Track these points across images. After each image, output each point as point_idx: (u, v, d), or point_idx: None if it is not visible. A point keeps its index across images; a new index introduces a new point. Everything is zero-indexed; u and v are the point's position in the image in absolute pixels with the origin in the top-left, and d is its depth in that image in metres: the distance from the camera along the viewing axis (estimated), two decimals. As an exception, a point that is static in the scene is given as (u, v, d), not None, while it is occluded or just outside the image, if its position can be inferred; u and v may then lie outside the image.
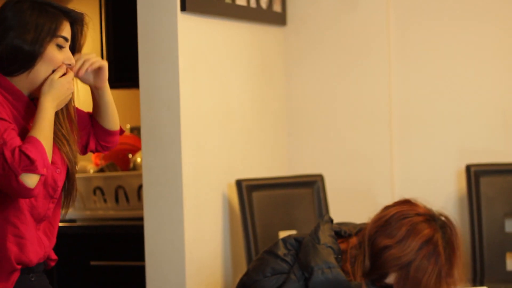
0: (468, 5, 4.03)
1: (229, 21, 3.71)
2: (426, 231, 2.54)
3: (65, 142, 2.43)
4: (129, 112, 4.60)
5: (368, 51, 4.12)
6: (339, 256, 2.59)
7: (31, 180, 2.19)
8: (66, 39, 2.48)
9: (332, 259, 2.53)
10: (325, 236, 2.60)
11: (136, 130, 4.49)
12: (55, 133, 2.38)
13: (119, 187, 3.88)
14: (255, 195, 3.73)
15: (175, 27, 3.33)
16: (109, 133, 2.66)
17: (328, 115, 4.20)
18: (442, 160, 4.07)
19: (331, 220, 2.70)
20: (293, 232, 3.87)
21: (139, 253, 3.59)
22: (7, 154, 2.19)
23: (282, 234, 3.82)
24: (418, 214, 2.58)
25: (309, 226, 3.88)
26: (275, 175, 4.02)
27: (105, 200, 3.93)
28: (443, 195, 4.06)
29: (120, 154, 4.25)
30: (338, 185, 4.12)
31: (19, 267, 2.30)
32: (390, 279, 2.54)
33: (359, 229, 2.68)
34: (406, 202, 2.67)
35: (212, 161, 3.62)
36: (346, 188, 4.15)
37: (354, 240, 2.63)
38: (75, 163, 2.47)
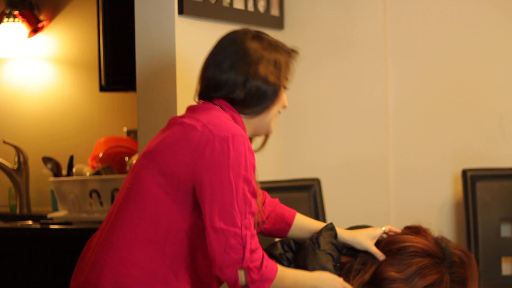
0: (465, 10, 4.04)
1: (226, 24, 3.71)
2: (433, 277, 2.53)
3: None
4: (126, 115, 4.60)
5: (365, 55, 4.13)
6: (338, 264, 2.59)
7: (244, 281, 2.19)
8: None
9: (330, 265, 2.53)
10: (325, 243, 2.60)
11: (132, 133, 4.50)
12: None
13: (116, 190, 3.88)
14: (252, 198, 3.73)
15: (173, 30, 3.33)
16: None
17: (325, 119, 4.20)
18: (439, 165, 4.07)
19: (334, 228, 2.69)
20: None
21: (135, 256, 3.58)
22: (247, 252, 2.17)
23: (278, 237, 3.82)
24: (430, 256, 2.56)
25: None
26: (272, 179, 4.02)
27: (101, 203, 3.93)
28: (439, 199, 4.07)
29: (117, 157, 4.25)
30: (334, 189, 4.12)
31: None
32: None
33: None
34: (419, 232, 2.64)
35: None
36: (342, 192, 4.15)
37: (361, 257, 2.62)
38: None
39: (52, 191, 4.28)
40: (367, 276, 2.55)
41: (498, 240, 3.86)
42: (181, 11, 3.33)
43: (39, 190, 4.58)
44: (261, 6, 3.97)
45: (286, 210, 2.68)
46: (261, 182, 3.81)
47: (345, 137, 4.17)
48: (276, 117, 2.42)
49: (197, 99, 2.47)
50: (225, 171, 2.18)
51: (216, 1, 3.57)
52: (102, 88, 4.38)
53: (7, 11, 4.57)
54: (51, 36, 4.68)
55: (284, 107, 2.44)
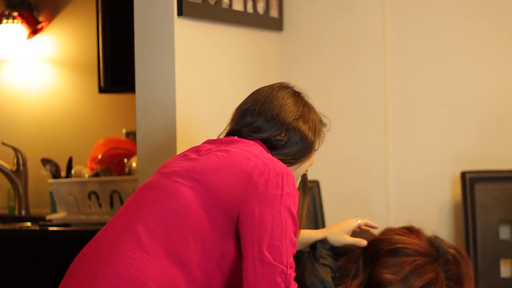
0: (464, 11, 4.04)
1: (226, 26, 3.71)
2: (429, 275, 2.52)
3: None
4: (125, 116, 4.60)
5: (364, 57, 4.13)
6: (337, 275, 2.58)
7: None
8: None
9: (329, 278, 2.53)
10: (322, 256, 2.59)
11: (131, 135, 4.50)
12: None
13: (114, 191, 3.88)
14: (251, 200, 3.72)
15: (172, 32, 3.33)
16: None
17: (324, 120, 4.19)
18: (437, 167, 4.07)
19: (328, 243, 2.68)
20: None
21: (134, 257, 3.58)
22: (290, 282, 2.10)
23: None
24: (424, 255, 2.56)
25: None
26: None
27: (100, 205, 3.92)
28: (438, 201, 4.07)
29: (116, 159, 4.25)
30: (333, 191, 4.12)
31: None
32: None
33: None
34: (411, 232, 2.64)
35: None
36: (341, 194, 4.15)
37: (353, 256, 2.62)
38: None
39: (51, 193, 4.28)
40: (363, 280, 2.55)
41: (497, 242, 3.86)
42: (180, 13, 3.33)
43: (38, 191, 4.58)
44: (261, 8, 3.97)
45: None
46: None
47: (344, 139, 4.17)
48: (301, 176, 2.43)
49: (222, 136, 2.43)
50: (277, 206, 2.13)
51: (215, 3, 3.57)
52: (101, 90, 4.38)
53: (6, 12, 4.58)
54: (50, 38, 4.68)
55: (310, 165, 2.45)
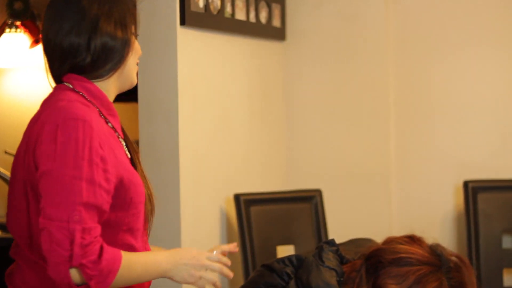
0: (468, 19, 4.04)
1: (228, 35, 3.71)
2: (433, 284, 2.52)
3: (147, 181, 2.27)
4: (128, 125, 4.59)
5: (367, 66, 4.13)
6: (342, 279, 2.58)
7: (80, 279, 1.95)
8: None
9: (334, 281, 2.52)
10: (329, 258, 2.59)
11: (134, 144, 4.49)
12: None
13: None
14: (253, 209, 3.73)
15: (175, 41, 3.33)
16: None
17: (327, 129, 4.20)
18: (441, 176, 4.07)
19: (335, 244, 2.69)
20: (291, 247, 3.86)
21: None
22: (76, 248, 1.92)
23: (280, 249, 3.82)
24: (427, 264, 2.55)
25: (307, 241, 3.89)
26: (274, 190, 4.02)
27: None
28: (441, 210, 4.06)
29: (118, 168, 4.24)
30: (336, 200, 4.12)
31: None
32: None
33: (360, 255, 2.67)
34: (413, 241, 2.63)
35: (211, 175, 3.61)
36: (344, 203, 4.15)
37: (356, 264, 2.62)
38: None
39: (53, 202, 4.27)
40: None
41: (500, 251, 3.85)
42: (183, 22, 3.34)
43: (41, 200, 4.57)
44: (263, 17, 3.98)
45: None
46: (264, 193, 3.83)
47: (347, 148, 4.17)
48: (136, 67, 2.26)
49: (53, 83, 2.24)
50: (50, 161, 1.98)
51: (218, 12, 3.58)
52: (104, 99, 4.38)
53: (9, 22, 4.58)
54: (53, 47, 4.68)
55: (139, 55, 2.30)
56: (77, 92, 2.12)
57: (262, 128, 4.05)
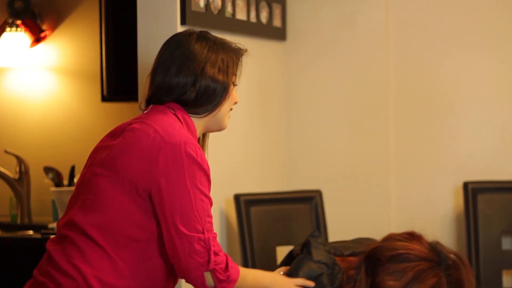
0: (467, 22, 4.04)
1: (228, 35, 3.71)
2: (431, 280, 2.52)
3: None
4: (128, 125, 4.59)
5: (367, 66, 4.13)
6: (336, 267, 2.57)
7: (210, 281, 2.29)
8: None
9: (324, 278, 2.53)
10: (318, 253, 2.60)
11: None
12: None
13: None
14: (253, 210, 3.73)
15: (175, 41, 3.32)
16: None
17: (327, 130, 4.20)
18: (440, 177, 4.07)
19: (318, 233, 2.72)
20: (291, 247, 3.86)
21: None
22: (211, 255, 2.26)
23: (280, 249, 3.82)
24: (426, 260, 2.55)
25: (306, 241, 3.89)
26: (274, 190, 4.02)
27: (102, 213, 3.92)
28: (440, 211, 4.06)
29: (118, 167, 4.24)
30: (336, 201, 4.12)
31: None
32: None
33: (352, 252, 2.67)
34: (413, 238, 2.64)
35: (211, 175, 3.61)
36: (344, 204, 4.15)
37: (354, 261, 2.62)
38: None
39: (53, 201, 4.27)
40: (365, 286, 2.54)
41: (499, 253, 3.85)
42: (183, 22, 3.34)
43: (40, 200, 4.57)
44: (264, 17, 3.98)
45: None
46: (264, 194, 3.83)
47: (347, 149, 4.17)
48: (228, 113, 2.47)
49: (143, 106, 2.47)
50: (181, 179, 2.24)
51: (219, 12, 3.57)
52: (104, 98, 4.38)
53: (10, 21, 4.58)
54: (53, 46, 4.68)
55: (235, 103, 2.50)
56: (178, 119, 2.35)
57: (262, 129, 4.05)
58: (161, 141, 2.26)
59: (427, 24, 4.09)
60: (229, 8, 3.67)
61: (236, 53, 2.47)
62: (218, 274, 2.28)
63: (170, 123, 2.32)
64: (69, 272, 2.28)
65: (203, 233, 2.24)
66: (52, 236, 2.51)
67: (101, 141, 2.43)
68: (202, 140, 2.53)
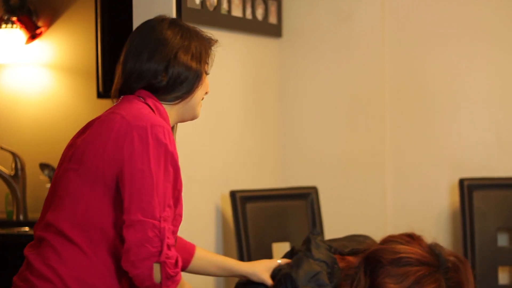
0: (463, 20, 4.05)
1: (224, 32, 3.71)
2: (431, 285, 2.53)
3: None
4: (124, 121, 4.59)
5: (363, 64, 4.13)
6: (335, 266, 2.58)
7: (158, 275, 2.14)
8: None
9: (324, 276, 2.53)
10: (318, 251, 2.60)
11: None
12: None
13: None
14: (249, 206, 3.73)
15: (171, 38, 3.32)
16: None
17: (323, 126, 4.20)
18: (436, 174, 4.07)
19: (319, 233, 2.71)
20: (286, 244, 3.86)
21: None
22: (164, 246, 2.12)
23: (276, 245, 3.82)
24: (426, 264, 2.56)
25: (303, 238, 3.88)
26: (269, 187, 4.02)
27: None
28: (436, 208, 4.07)
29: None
30: (332, 198, 4.12)
31: None
32: None
33: (352, 249, 2.67)
34: (413, 240, 2.64)
35: (206, 172, 3.61)
36: (340, 201, 4.15)
37: (353, 261, 2.62)
38: None
39: (49, 198, 4.27)
40: (364, 286, 2.55)
41: (495, 249, 3.86)
42: (179, 18, 3.33)
43: (36, 196, 4.57)
44: (259, 14, 3.98)
45: (186, 241, 2.66)
46: (260, 190, 3.83)
47: (342, 145, 4.17)
48: (200, 102, 2.40)
49: (115, 96, 2.41)
50: (145, 161, 2.15)
51: (214, 9, 3.57)
52: (100, 95, 4.38)
53: (5, 17, 4.57)
54: (49, 43, 4.68)
55: (206, 93, 2.43)
56: (149, 107, 2.28)
57: (258, 125, 4.05)
58: (127, 125, 2.20)
59: (423, 22, 4.09)
60: (224, 5, 3.67)
61: (208, 42, 2.42)
62: (167, 269, 2.13)
63: (138, 108, 2.25)
64: (46, 275, 2.22)
65: (159, 221, 2.11)
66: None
67: (72, 138, 2.37)
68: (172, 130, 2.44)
